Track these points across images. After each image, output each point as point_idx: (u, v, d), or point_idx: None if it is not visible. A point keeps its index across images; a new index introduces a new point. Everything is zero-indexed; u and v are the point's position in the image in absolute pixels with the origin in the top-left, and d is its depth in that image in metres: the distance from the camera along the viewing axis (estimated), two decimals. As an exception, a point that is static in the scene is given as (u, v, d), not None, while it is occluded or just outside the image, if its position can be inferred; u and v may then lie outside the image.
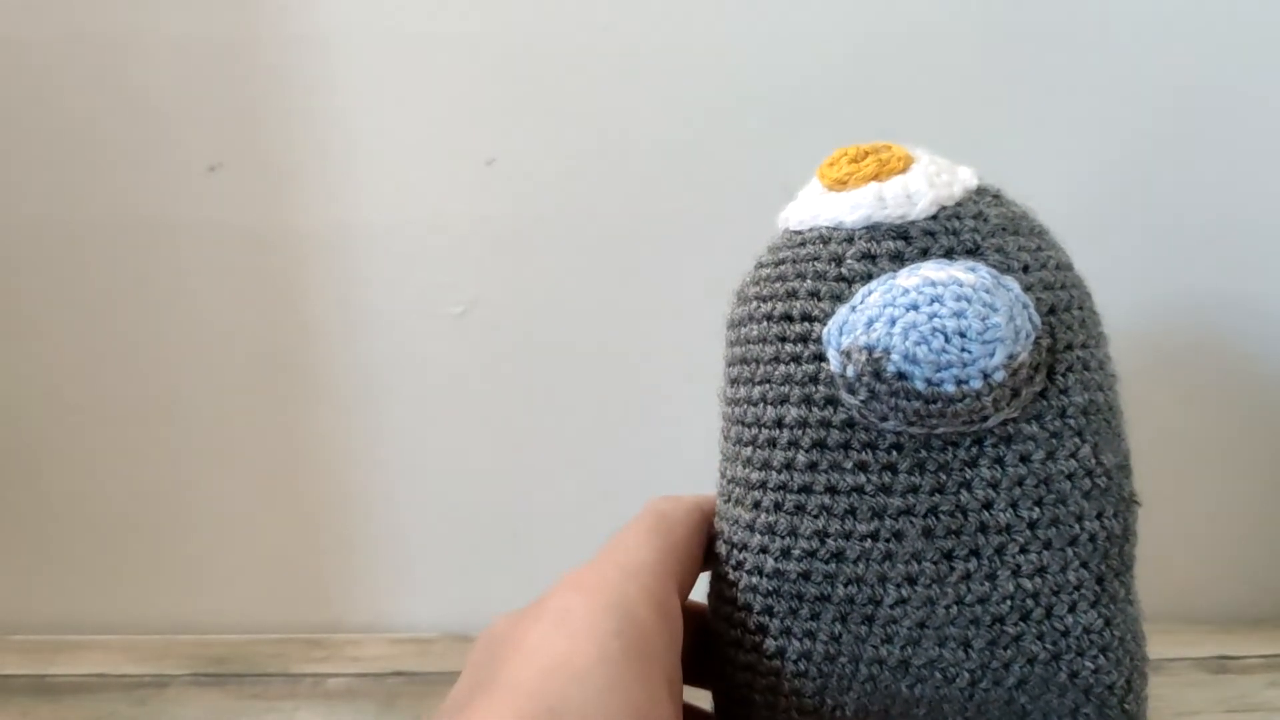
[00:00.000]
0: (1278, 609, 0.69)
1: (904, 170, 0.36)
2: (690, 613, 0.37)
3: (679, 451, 0.67)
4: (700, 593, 0.40)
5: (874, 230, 0.35)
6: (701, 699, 0.40)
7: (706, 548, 0.39)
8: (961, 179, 0.37)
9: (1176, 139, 0.62)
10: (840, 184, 0.37)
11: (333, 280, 0.66)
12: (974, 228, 0.35)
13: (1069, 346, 0.35)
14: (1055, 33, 0.61)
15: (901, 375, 0.32)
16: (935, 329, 0.32)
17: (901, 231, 0.35)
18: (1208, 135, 0.62)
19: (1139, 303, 0.64)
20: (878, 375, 0.33)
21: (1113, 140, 0.62)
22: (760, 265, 0.38)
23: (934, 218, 0.35)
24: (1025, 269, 0.35)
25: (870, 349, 0.33)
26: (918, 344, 0.32)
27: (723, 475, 0.39)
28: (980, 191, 0.37)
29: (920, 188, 0.35)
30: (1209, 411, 0.66)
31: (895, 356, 0.32)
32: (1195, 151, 0.62)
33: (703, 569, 0.39)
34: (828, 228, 0.36)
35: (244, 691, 0.65)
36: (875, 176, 0.36)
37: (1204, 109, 0.62)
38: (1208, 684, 0.62)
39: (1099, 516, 0.34)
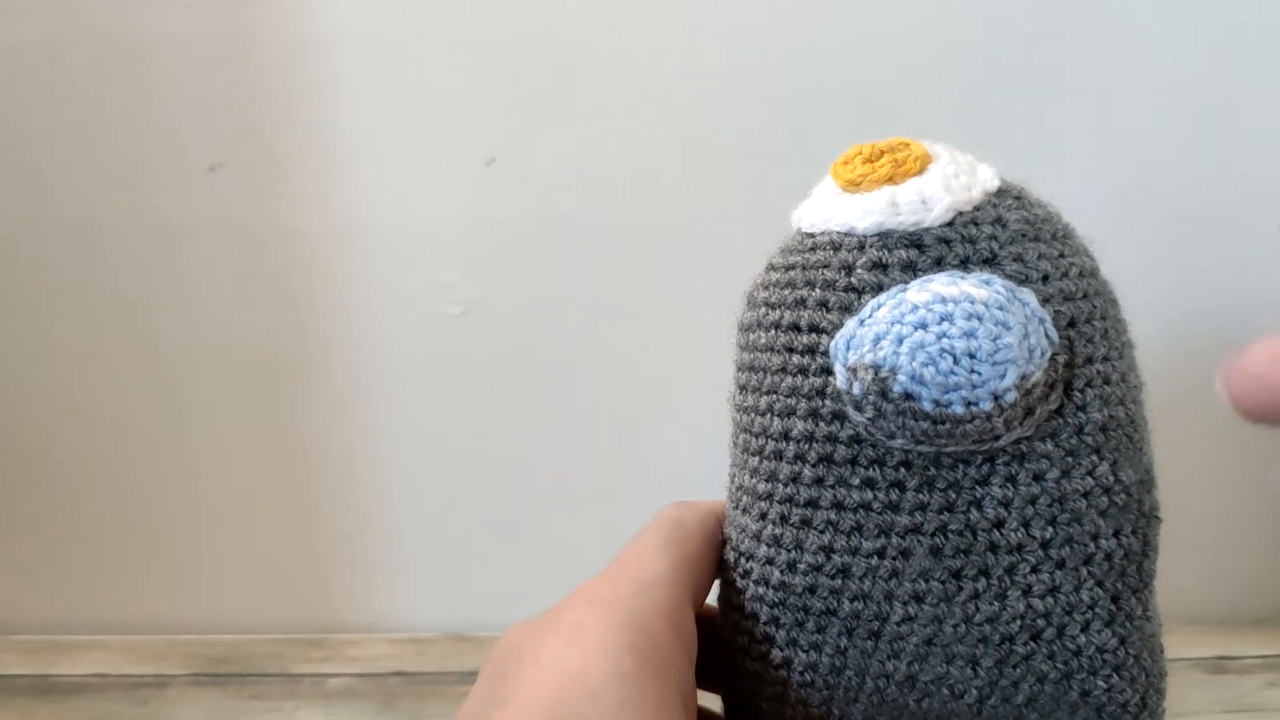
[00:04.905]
0: (1277, 609, 0.69)
1: (920, 172, 0.35)
2: (701, 617, 0.37)
3: (679, 452, 0.67)
4: (711, 595, 0.40)
5: (886, 238, 0.34)
6: (712, 702, 0.40)
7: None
8: (981, 180, 0.35)
9: (1197, 141, 0.62)
10: (854, 185, 0.35)
11: (333, 280, 0.66)
12: (991, 235, 0.34)
13: (1089, 360, 0.33)
14: (1072, 33, 0.61)
15: (908, 395, 0.31)
16: (944, 350, 0.31)
17: (915, 239, 0.34)
18: (1230, 136, 0.62)
19: (1146, 304, 0.64)
20: (884, 394, 0.32)
21: (1134, 142, 0.62)
22: (771, 268, 0.37)
23: (950, 224, 0.34)
24: (1045, 279, 0.33)
25: (876, 368, 0.32)
26: (925, 365, 0.31)
27: (732, 481, 0.38)
28: (1001, 194, 0.35)
29: (936, 192, 0.34)
30: (1209, 413, 0.66)
31: (902, 377, 0.31)
32: (1218, 153, 0.62)
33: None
34: (839, 233, 0.35)
35: (244, 691, 0.65)
36: (890, 179, 0.35)
37: (1226, 109, 0.62)
38: (1206, 684, 0.63)
39: (1116, 534, 0.33)
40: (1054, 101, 0.62)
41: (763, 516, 0.36)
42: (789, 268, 0.36)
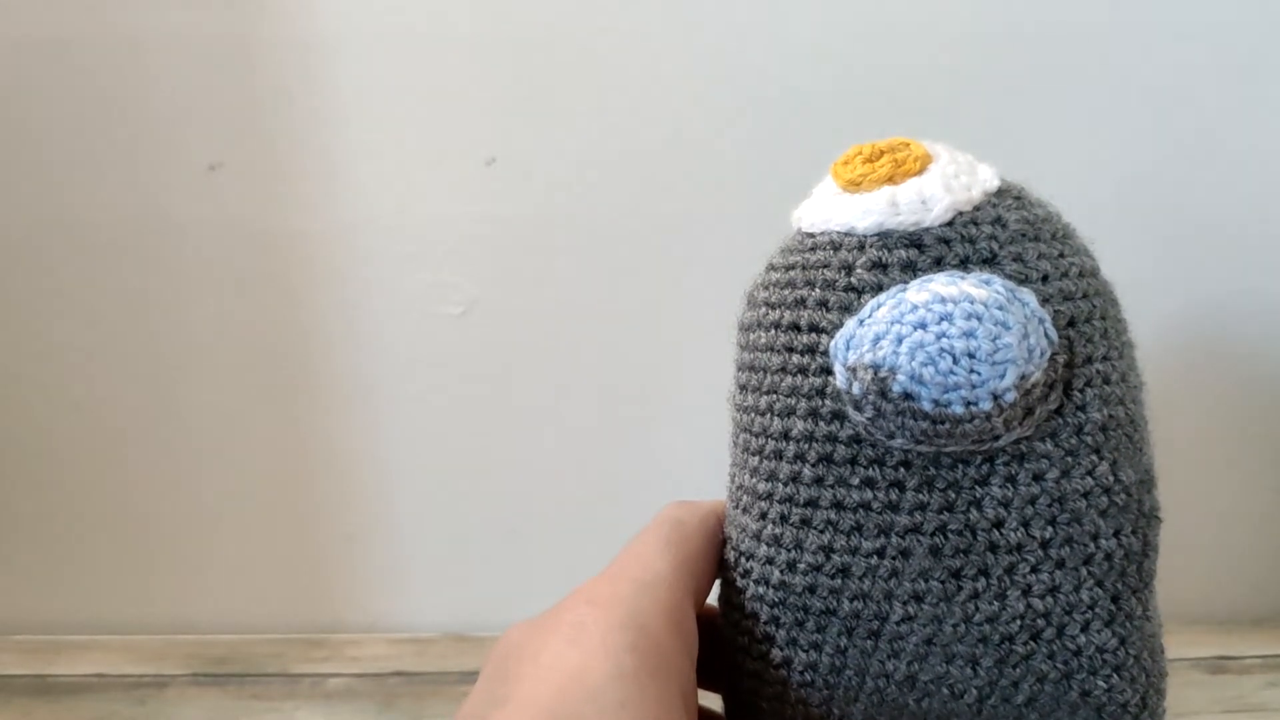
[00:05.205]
0: (1277, 609, 0.69)
1: (920, 172, 0.35)
2: (701, 617, 0.37)
3: (679, 452, 0.67)
4: (712, 595, 0.40)
5: (886, 238, 0.34)
6: (713, 701, 0.40)
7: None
8: (981, 180, 0.35)
9: (1198, 141, 0.62)
10: (854, 185, 0.35)
11: (333, 280, 0.66)
12: (991, 235, 0.34)
13: (1088, 360, 0.33)
14: (1073, 33, 0.61)
15: (908, 395, 0.31)
16: (943, 350, 0.31)
17: (915, 239, 0.34)
18: (1230, 136, 0.62)
19: (1145, 304, 0.64)
20: (883, 394, 0.32)
21: (1134, 142, 0.62)
22: (771, 268, 0.37)
23: (950, 224, 0.34)
24: (1044, 278, 0.33)
25: (876, 367, 0.32)
26: (924, 365, 0.31)
27: (732, 480, 0.38)
28: (1001, 193, 0.35)
29: (936, 192, 0.34)
30: (1209, 412, 0.66)
31: (901, 377, 0.31)
32: (1219, 153, 0.62)
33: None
34: (839, 233, 0.35)
35: (244, 691, 0.65)
36: (890, 179, 0.35)
37: (1227, 109, 0.62)
38: (1206, 684, 0.63)
39: (1116, 534, 0.33)
40: (1054, 101, 0.62)
41: (763, 516, 0.36)
42: (789, 267, 0.36)
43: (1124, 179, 0.63)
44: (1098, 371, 0.33)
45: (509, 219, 0.65)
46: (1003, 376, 0.31)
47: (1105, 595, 0.33)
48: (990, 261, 0.33)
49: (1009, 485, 0.33)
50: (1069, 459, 0.33)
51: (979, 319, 0.31)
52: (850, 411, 0.33)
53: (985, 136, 0.39)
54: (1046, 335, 0.32)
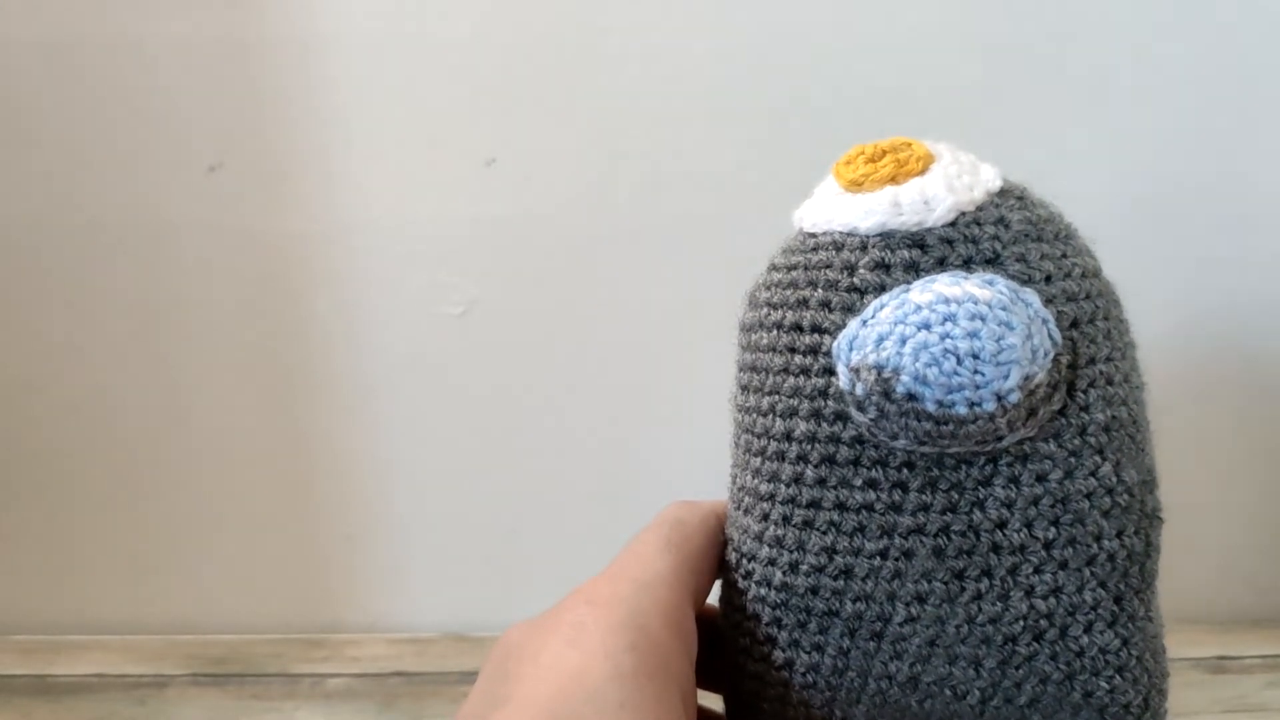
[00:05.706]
0: (1277, 609, 0.69)
1: (922, 172, 0.34)
2: (702, 617, 0.37)
3: (679, 452, 0.67)
4: (713, 595, 0.40)
5: (889, 238, 0.34)
6: (713, 702, 0.40)
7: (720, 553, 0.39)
8: (984, 180, 0.35)
9: (1199, 141, 0.62)
10: (856, 185, 0.35)
11: (333, 280, 0.66)
12: (994, 235, 0.34)
13: (1091, 360, 0.33)
14: (1075, 34, 0.61)
15: (911, 396, 0.31)
16: (947, 350, 0.31)
17: (918, 240, 0.33)
18: (1232, 136, 0.62)
19: (1148, 304, 0.64)
20: (887, 395, 0.32)
21: (1136, 141, 0.62)
22: (773, 268, 0.37)
23: (952, 224, 0.34)
24: (1048, 279, 0.33)
25: (879, 368, 0.31)
26: (928, 366, 0.31)
27: (733, 481, 0.38)
28: (1003, 193, 0.35)
29: (938, 192, 0.34)
30: (1210, 412, 0.66)
31: (905, 377, 0.31)
32: (1221, 153, 0.63)
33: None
34: (841, 233, 0.35)
35: (244, 691, 0.65)
36: (892, 179, 0.34)
37: (1228, 109, 0.62)
38: (1206, 684, 0.63)
39: (1119, 535, 0.33)
40: (1056, 101, 0.62)
41: (765, 517, 0.36)
42: (791, 268, 0.36)
43: (1126, 179, 0.63)
44: (1101, 372, 0.33)
45: (509, 219, 0.65)
46: (1006, 377, 0.31)
47: (1108, 596, 0.33)
48: (993, 262, 0.33)
49: (1012, 486, 0.32)
50: (1072, 460, 0.33)
51: (983, 319, 0.31)
52: (853, 412, 0.33)
53: (987, 137, 0.39)
54: (1050, 336, 0.32)
